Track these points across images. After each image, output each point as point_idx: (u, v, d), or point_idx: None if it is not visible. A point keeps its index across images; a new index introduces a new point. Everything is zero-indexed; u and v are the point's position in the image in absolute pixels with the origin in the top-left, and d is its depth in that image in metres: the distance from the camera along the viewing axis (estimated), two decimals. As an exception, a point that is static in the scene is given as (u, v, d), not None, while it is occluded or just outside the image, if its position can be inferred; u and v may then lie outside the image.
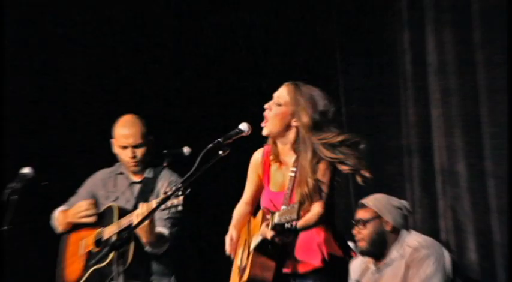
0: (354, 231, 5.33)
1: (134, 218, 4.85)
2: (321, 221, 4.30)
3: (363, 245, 5.36)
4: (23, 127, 6.71)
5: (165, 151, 5.02)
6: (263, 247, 4.28)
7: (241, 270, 4.45)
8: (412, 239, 5.30)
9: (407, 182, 6.07)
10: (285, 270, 4.34)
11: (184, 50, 7.23)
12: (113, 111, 5.45)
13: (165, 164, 5.13)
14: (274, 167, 4.45)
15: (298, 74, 6.53)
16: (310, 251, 4.34)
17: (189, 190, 4.41)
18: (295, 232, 4.22)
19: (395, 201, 5.36)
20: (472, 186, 5.57)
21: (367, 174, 4.37)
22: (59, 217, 5.37)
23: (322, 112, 4.33)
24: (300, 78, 4.55)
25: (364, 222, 5.34)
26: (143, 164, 5.27)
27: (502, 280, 5.36)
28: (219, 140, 4.32)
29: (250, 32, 7.20)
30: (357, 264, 5.46)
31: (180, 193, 4.36)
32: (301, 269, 4.34)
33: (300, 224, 4.15)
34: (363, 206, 5.41)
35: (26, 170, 5.10)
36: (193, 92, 7.22)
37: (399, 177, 6.15)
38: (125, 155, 5.24)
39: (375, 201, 5.41)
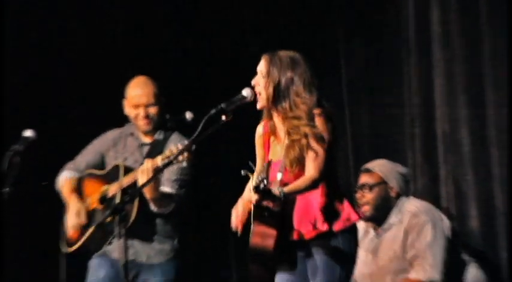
0: (358, 195, 5.38)
1: (138, 174, 4.93)
2: (315, 185, 4.28)
3: (367, 209, 5.40)
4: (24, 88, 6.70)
5: (167, 116, 5.06)
6: (261, 215, 4.30)
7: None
8: (411, 205, 5.35)
9: (409, 149, 6.10)
10: (291, 238, 4.33)
11: (189, 17, 7.20)
12: (121, 76, 5.50)
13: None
14: (272, 138, 4.49)
15: (297, 40, 6.57)
16: (312, 215, 4.33)
17: (194, 147, 4.46)
18: (282, 197, 4.17)
19: (399, 167, 5.42)
20: (474, 154, 5.63)
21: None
22: (64, 186, 5.46)
23: (291, 78, 4.37)
24: (300, 45, 4.56)
25: (370, 187, 5.39)
26: (155, 124, 5.33)
27: (503, 247, 5.44)
28: (221, 105, 4.30)
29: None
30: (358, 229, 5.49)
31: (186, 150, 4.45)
32: (307, 236, 4.33)
33: (288, 188, 4.16)
34: (368, 171, 5.46)
35: (28, 133, 5.12)
36: (197, 58, 7.17)
37: (401, 145, 6.20)
38: (137, 114, 5.31)
39: (381, 167, 5.46)
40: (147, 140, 5.38)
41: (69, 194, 5.42)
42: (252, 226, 4.35)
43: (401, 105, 6.31)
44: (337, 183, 4.41)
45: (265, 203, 4.19)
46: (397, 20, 6.26)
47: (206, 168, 6.62)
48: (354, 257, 4.42)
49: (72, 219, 5.34)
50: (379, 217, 5.39)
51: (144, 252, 5.27)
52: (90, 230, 5.31)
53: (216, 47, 7.23)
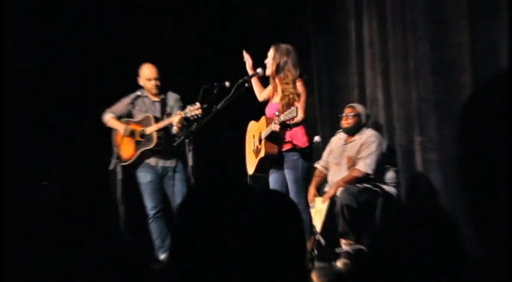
0: (344, 118, 6.69)
1: (173, 118, 6.15)
2: (303, 123, 5.45)
3: (349, 125, 6.71)
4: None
5: (215, 84, 5.70)
6: (271, 136, 5.41)
7: (256, 151, 5.53)
8: (369, 131, 6.68)
9: (351, 102, 7.14)
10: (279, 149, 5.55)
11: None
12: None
13: (215, 92, 5.73)
14: (275, 94, 5.58)
15: (283, 35, 7.19)
16: (289, 137, 5.54)
17: (206, 105, 5.62)
18: (290, 127, 5.32)
19: (366, 110, 6.94)
20: (386, 105, 7.00)
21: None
22: (111, 121, 6.56)
23: (286, 61, 5.39)
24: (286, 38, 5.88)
25: (353, 116, 6.69)
26: (159, 89, 6.57)
27: (399, 156, 6.71)
28: (245, 77, 5.59)
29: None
30: (335, 139, 7.01)
31: (199, 106, 5.72)
32: (284, 148, 5.60)
33: (292, 122, 5.27)
34: (353, 107, 6.76)
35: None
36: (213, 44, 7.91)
37: (347, 101, 7.36)
38: (149, 83, 6.56)
39: (359, 106, 6.82)
40: (156, 99, 6.63)
41: (118, 122, 6.53)
42: (263, 142, 5.47)
43: (347, 78, 7.71)
44: (307, 121, 5.58)
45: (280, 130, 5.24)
46: (345, 30, 7.60)
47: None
48: (310, 162, 5.67)
49: (123, 131, 6.40)
50: (353, 132, 6.69)
51: (167, 162, 6.52)
52: (141, 150, 6.45)
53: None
